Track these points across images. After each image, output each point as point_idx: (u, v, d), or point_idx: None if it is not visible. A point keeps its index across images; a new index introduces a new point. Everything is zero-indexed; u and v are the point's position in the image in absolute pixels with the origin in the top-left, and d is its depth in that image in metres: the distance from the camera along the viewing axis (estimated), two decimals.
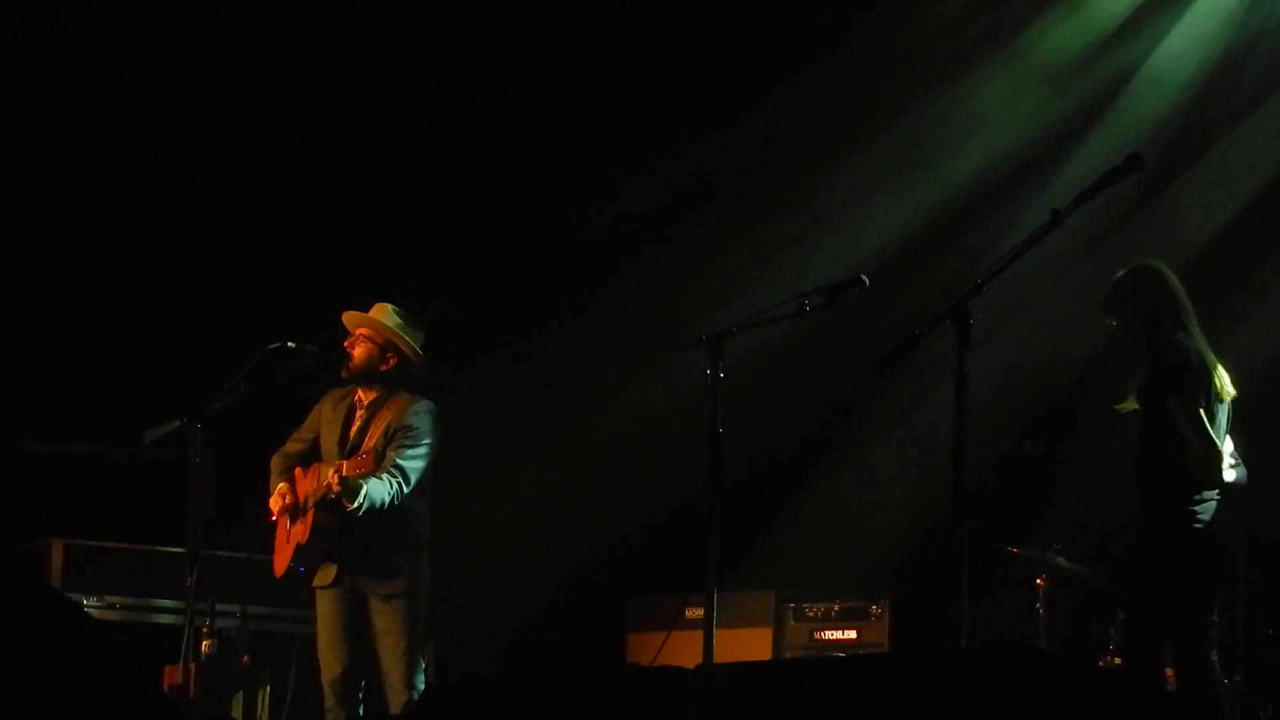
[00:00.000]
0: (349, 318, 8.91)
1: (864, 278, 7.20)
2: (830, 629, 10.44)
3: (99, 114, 11.23)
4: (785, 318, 7.39)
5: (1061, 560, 9.04)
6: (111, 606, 10.14)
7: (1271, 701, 8.63)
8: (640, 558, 11.45)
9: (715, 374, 7.19)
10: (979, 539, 8.16)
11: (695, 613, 9.28)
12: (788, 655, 10.38)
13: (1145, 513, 7.62)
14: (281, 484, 8.90)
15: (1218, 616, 7.56)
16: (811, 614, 10.51)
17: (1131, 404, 7.73)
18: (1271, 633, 8.98)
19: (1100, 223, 10.10)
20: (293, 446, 9.04)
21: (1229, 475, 7.53)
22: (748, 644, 10.29)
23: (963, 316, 5.89)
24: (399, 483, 8.56)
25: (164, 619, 10.20)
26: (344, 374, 8.88)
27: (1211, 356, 7.62)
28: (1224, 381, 7.63)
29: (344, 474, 8.39)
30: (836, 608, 10.47)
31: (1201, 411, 7.47)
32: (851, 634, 10.39)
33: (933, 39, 11.20)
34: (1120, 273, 7.75)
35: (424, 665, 8.79)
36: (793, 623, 10.55)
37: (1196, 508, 7.46)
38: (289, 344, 8.79)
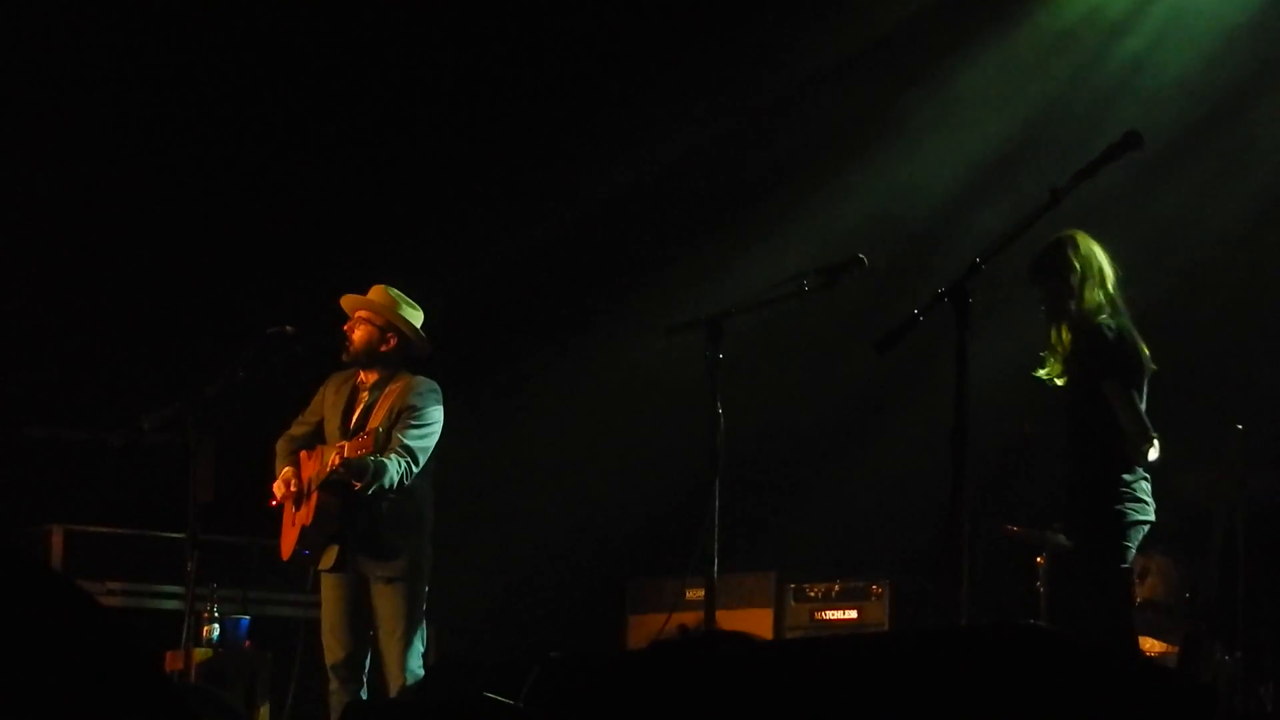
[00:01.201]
0: (347, 301, 8.92)
1: (863, 257, 7.21)
2: (831, 609, 10.44)
3: (96, 100, 11.22)
4: (784, 299, 7.40)
5: (1061, 539, 9.03)
6: (112, 592, 10.14)
7: (1271, 679, 8.63)
8: (640, 539, 11.45)
9: (714, 355, 7.20)
10: (979, 518, 8.19)
11: (696, 594, 9.30)
12: (788, 636, 10.38)
13: (1076, 491, 7.68)
14: (286, 468, 8.91)
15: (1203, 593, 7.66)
16: (812, 594, 10.52)
17: (1052, 374, 7.77)
18: (1271, 611, 8.98)
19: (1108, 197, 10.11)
20: (297, 430, 9.06)
21: (1152, 455, 7.60)
22: (748, 625, 10.27)
23: (962, 296, 5.89)
24: (407, 462, 8.58)
25: (165, 604, 10.20)
26: (345, 358, 8.90)
27: (1135, 332, 7.67)
28: (1146, 358, 7.68)
29: (346, 455, 8.41)
30: (837, 588, 10.47)
31: (1135, 394, 7.53)
32: (852, 614, 10.39)
33: (935, 15, 11.18)
34: (1046, 243, 7.76)
35: (423, 649, 8.79)
36: (793, 603, 10.56)
37: (1129, 488, 7.53)
38: (288, 329, 8.79)
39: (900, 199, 11.30)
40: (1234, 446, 8.74)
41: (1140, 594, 9.03)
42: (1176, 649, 8.93)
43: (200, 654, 9.28)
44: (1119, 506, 7.59)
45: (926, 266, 10.35)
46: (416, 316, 8.92)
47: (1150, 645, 9.09)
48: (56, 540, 10.12)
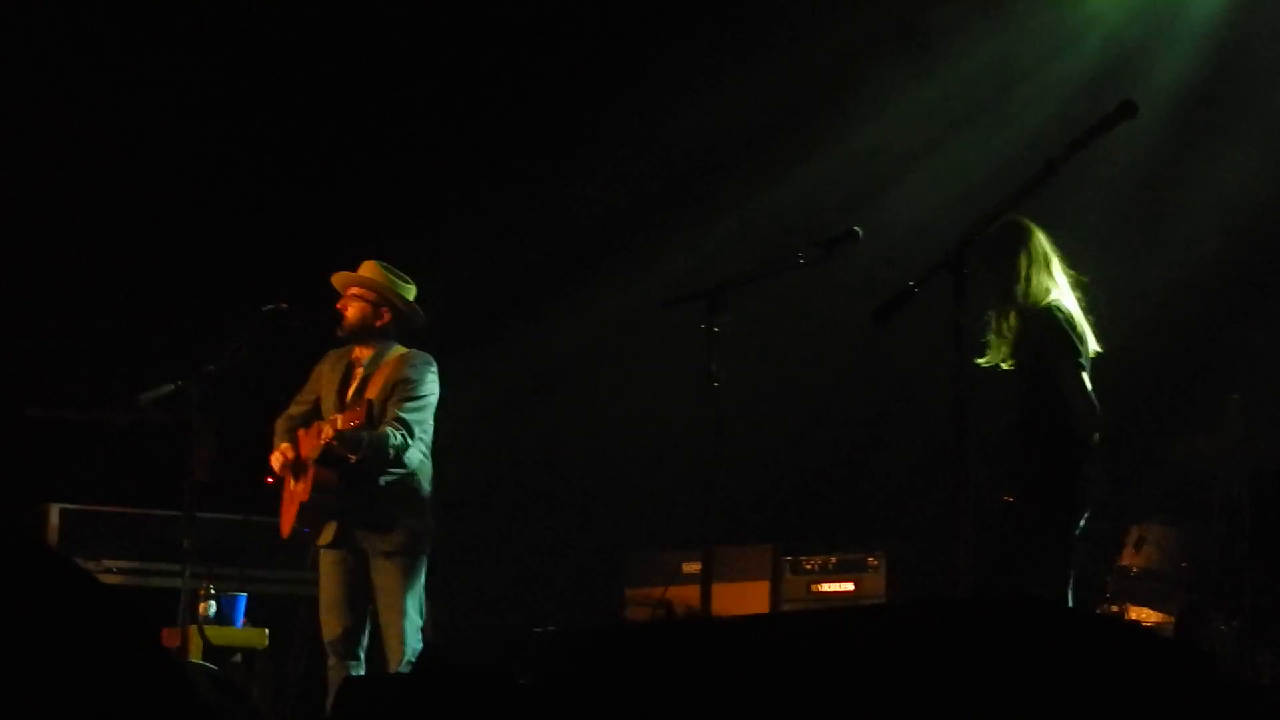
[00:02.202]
0: (339, 278, 8.93)
1: (857, 229, 7.21)
2: (828, 581, 10.44)
3: (94, 79, 11.21)
4: (782, 271, 7.39)
5: None
6: (109, 570, 10.14)
7: (1271, 647, 8.64)
8: (637, 512, 11.45)
9: (712, 327, 7.20)
10: (978, 488, 8.19)
11: (692, 567, 9.33)
12: (785, 608, 10.39)
13: (1027, 473, 7.69)
14: (284, 443, 8.91)
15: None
16: (809, 566, 10.52)
17: (996, 359, 7.79)
18: (1271, 578, 8.99)
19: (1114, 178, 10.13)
20: (295, 409, 9.06)
21: (1096, 437, 7.65)
22: (745, 597, 10.29)
23: (958, 267, 5.90)
24: (403, 434, 8.58)
25: (162, 582, 10.20)
26: (339, 334, 8.90)
27: (1082, 315, 7.69)
28: (1091, 340, 7.70)
29: (339, 428, 8.41)
30: (834, 560, 10.47)
31: (1084, 375, 7.56)
32: (849, 586, 10.39)
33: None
34: (990, 227, 7.77)
35: (422, 624, 8.79)
36: (790, 575, 10.56)
37: (1079, 468, 7.55)
38: (285, 305, 8.79)
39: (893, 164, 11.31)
40: (1234, 413, 8.75)
41: (1136, 563, 9.04)
42: (1172, 619, 8.95)
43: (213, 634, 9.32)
44: (1071, 487, 7.60)
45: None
46: (409, 290, 8.92)
47: (1146, 615, 9.10)
48: (53, 518, 10.11)
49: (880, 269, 9.33)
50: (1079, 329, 7.64)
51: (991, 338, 7.81)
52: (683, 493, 8.09)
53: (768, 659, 4.31)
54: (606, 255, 11.96)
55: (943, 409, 5.93)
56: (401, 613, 8.65)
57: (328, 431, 8.47)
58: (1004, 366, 7.80)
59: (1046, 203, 7.40)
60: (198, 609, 9.42)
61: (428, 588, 8.93)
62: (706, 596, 7.18)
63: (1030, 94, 10.88)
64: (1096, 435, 7.60)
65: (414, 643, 8.62)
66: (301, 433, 8.93)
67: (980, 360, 7.83)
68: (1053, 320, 7.62)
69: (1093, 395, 7.55)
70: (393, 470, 8.63)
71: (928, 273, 5.94)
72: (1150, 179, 10.43)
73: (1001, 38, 11.00)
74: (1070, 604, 7.60)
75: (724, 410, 7.15)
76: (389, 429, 8.56)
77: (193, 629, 9.14)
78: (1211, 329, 9.85)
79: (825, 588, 10.47)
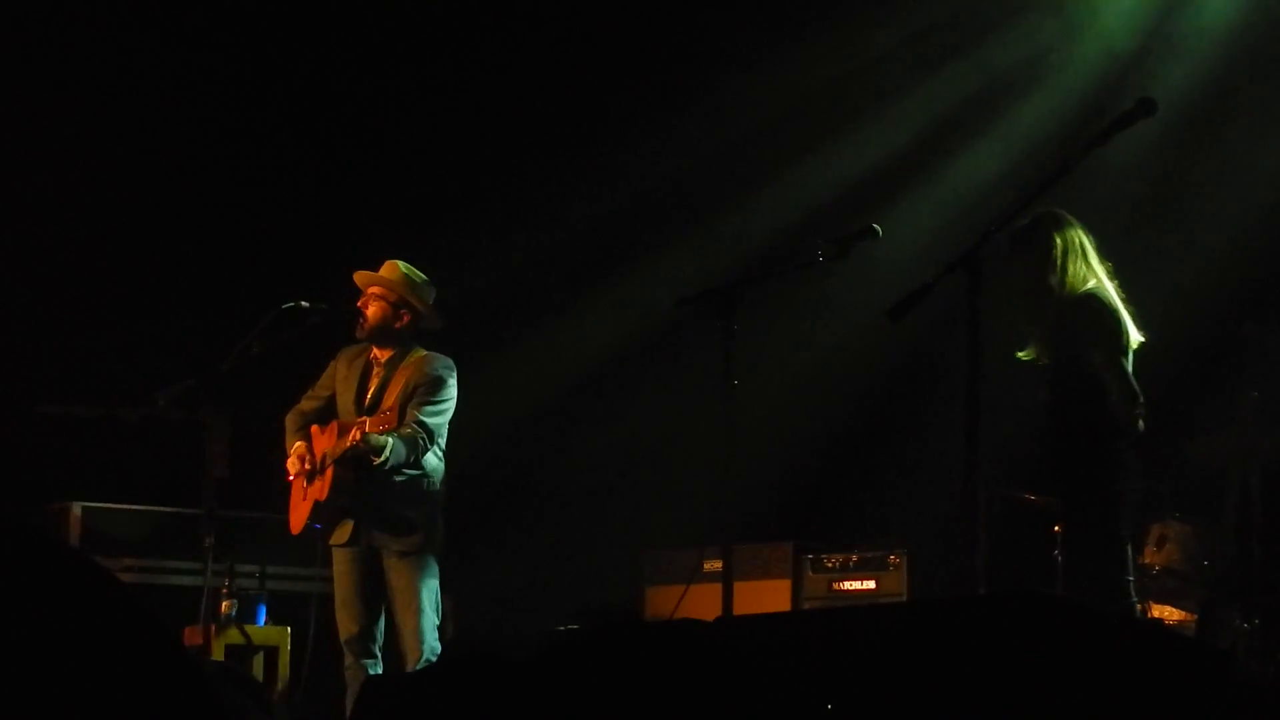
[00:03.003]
0: (360, 277, 8.93)
1: (876, 227, 7.20)
2: (849, 579, 10.44)
3: (107, 79, 11.22)
4: (797, 268, 7.38)
5: None
6: (129, 569, 10.16)
7: None
8: (657, 510, 11.46)
9: (728, 326, 7.19)
10: (996, 487, 8.18)
11: (713, 565, 9.31)
12: (806, 606, 10.38)
13: (1068, 464, 7.66)
14: (299, 443, 8.91)
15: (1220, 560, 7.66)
16: (829, 564, 10.51)
17: (1034, 352, 7.77)
18: None
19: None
20: (307, 404, 9.06)
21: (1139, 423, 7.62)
22: (766, 595, 10.29)
23: (974, 265, 5.89)
24: (423, 438, 8.59)
25: (183, 580, 10.22)
26: (359, 334, 8.90)
27: (1120, 302, 7.66)
28: (1132, 328, 7.67)
29: (367, 431, 8.42)
30: (855, 558, 10.46)
31: (1124, 361, 7.53)
32: (870, 584, 10.39)
33: None
34: (1024, 220, 7.76)
35: (439, 622, 8.80)
36: (811, 573, 10.55)
37: (1121, 457, 7.53)
38: (302, 303, 8.80)
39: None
40: (1248, 411, 8.73)
41: (1158, 561, 9.03)
42: (1194, 617, 8.93)
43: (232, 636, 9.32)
44: (1112, 476, 7.57)
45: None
46: (429, 292, 8.93)
47: (1168, 613, 9.08)
48: (74, 517, 10.14)
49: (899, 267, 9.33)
50: (1118, 316, 7.61)
51: (1030, 330, 7.79)
52: (703, 491, 8.09)
53: (789, 657, 4.32)
54: (626, 253, 11.98)
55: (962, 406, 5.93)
56: (418, 611, 8.66)
57: (355, 434, 8.47)
58: (1042, 361, 7.78)
59: (1063, 200, 7.40)
60: (219, 607, 9.42)
61: (446, 585, 8.94)
62: (728, 594, 7.17)
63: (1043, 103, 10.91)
64: (1141, 424, 7.58)
65: (431, 641, 8.63)
66: (315, 430, 8.93)
67: (1020, 354, 7.82)
68: (1092, 307, 7.58)
69: (1134, 382, 7.52)
70: (408, 471, 8.64)
71: (944, 270, 5.93)
72: (1167, 175, 10.42)
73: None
74: (1130, 599, 7.61)
75: (743, 407, 7.15)
76: (409, 433, 8.57)
77: (213, 628, 9.15)
78: (1229, 327, 9.83)
79: (846, 585, 10.46)
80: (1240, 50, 10.49)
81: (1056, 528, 8.76)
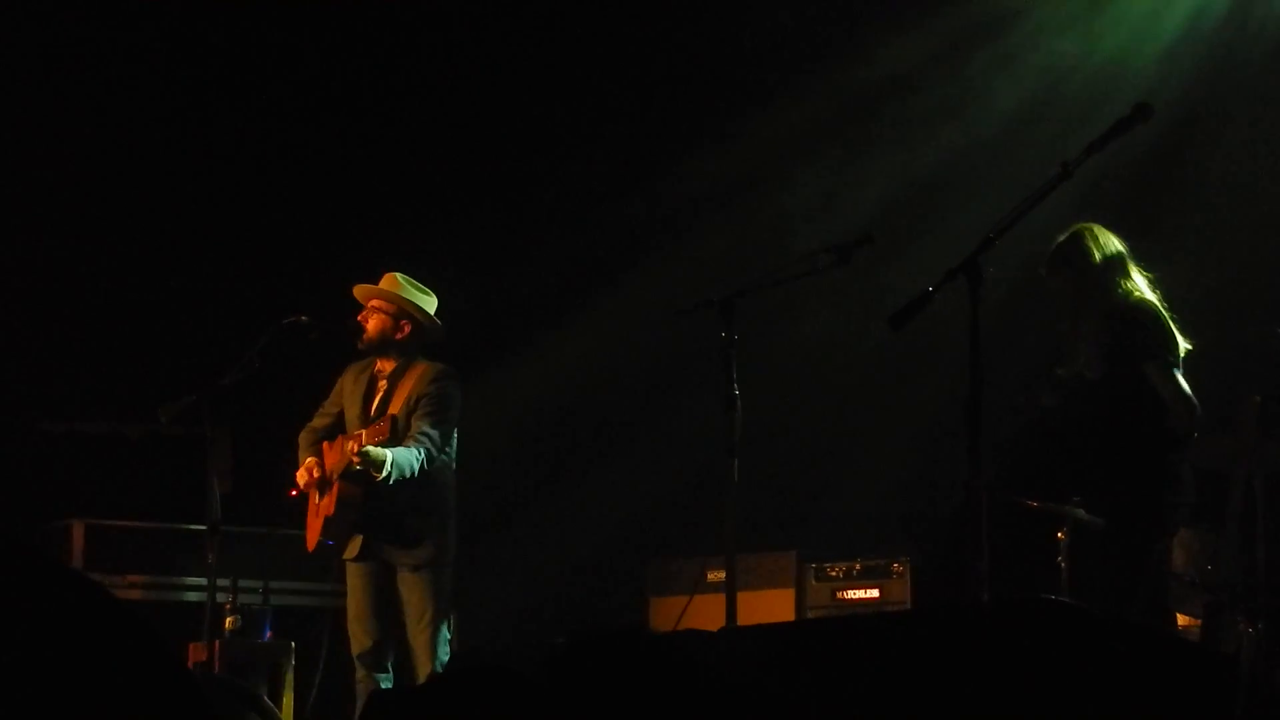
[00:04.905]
0: (360, 291, 8.94)
1: (873, 235, 7.19)
2: (852, 588, 10.43)
3: (110, 92, 11.23)
4: (797, 278, 7.38)
5: (1081, 513, 9.03)
6: (133, 585, 10.16)
7: None
8: (661, 520, 11.45)
9: (729, 335, 7.19)
10: (998, 493, 8.17)
11: (717, 575, 9.32)
12: (810, 615, 10.38)
13: (1115, 475, 7.65)
14: (309, 458, 8.93)
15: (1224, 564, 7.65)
16: (833, 573, 10.51)
17: (1076, 368, 7.76)
18: None
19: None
20: (319, 422, 9.08)
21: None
22: (770, 605, 10.29)
23: (975, 271, 5.88)
24: (427, 449, 8.59)
25: (187, 596, 10.22)
26: (360, 346, 8.91)
27: (1167, 311, 7.66)
28: (1180, 337, 7.67)
29: (363, 444, 8.41)
30: (858, 566, 10.46)
31: (1177, 370, 7.53)
32: (874, 592, 10.38)
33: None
34: (1062, 236, 7.75)
35: (449, 636, 8.80)
36: (814, 582, 10.55)
37: (1173, 470, 7.54)
38: (302, 317, 8.81)
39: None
40: (1249, 413, 8.72)
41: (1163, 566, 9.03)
42: (1199, 621, 8.92)
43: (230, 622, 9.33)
44: (1163, 489, 7.57)
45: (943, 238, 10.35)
46: (429, 302, 8.94)
47: (1173, 618, 9.07)
48: (77, 534, 10.14)
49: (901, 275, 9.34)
50: (1168, 325, 7.61)
51: (1073, 346, 7.78)
52: (706, 501, 8.09)
53: (793, 666, 4.31)
54: (631, 263, 11.98)
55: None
56: (429, 625, 8.66)
57: (352, 447, 8.47)
58: (1088, 375, 7.76)
59: (1066, 206, 7.39)
60: (223, 622, 9.42)
61: (454, 599, 8.94)
62: (732, 604, 7.17)
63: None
64: (1195, 434, 7.58)
65: (443, 656, 8.64)
66: (326, 446, 8.95)
67: (1060, 370, 7.80)
68: (1142, 318, 7.58)
69: (1188, 392, 7.52)
70: (417, 484, 8.63)
71: (945, 277, 5.92)
72: (1169, 179, 10.42)
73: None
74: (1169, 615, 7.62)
75: (745, 416, 7.14)
76: (412, 444, 8.57)
77: (218, 643, 9.15)
78: (1231, 330, 9.82)
79: (850, 594, 10.46)
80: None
81: (1060, 534, 8.76)
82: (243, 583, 9.83)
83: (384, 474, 8.44)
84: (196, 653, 9.16)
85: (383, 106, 11.94)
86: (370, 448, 8.41)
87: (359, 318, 8.91)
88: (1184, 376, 7.60)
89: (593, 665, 4.50)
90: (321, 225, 11.57)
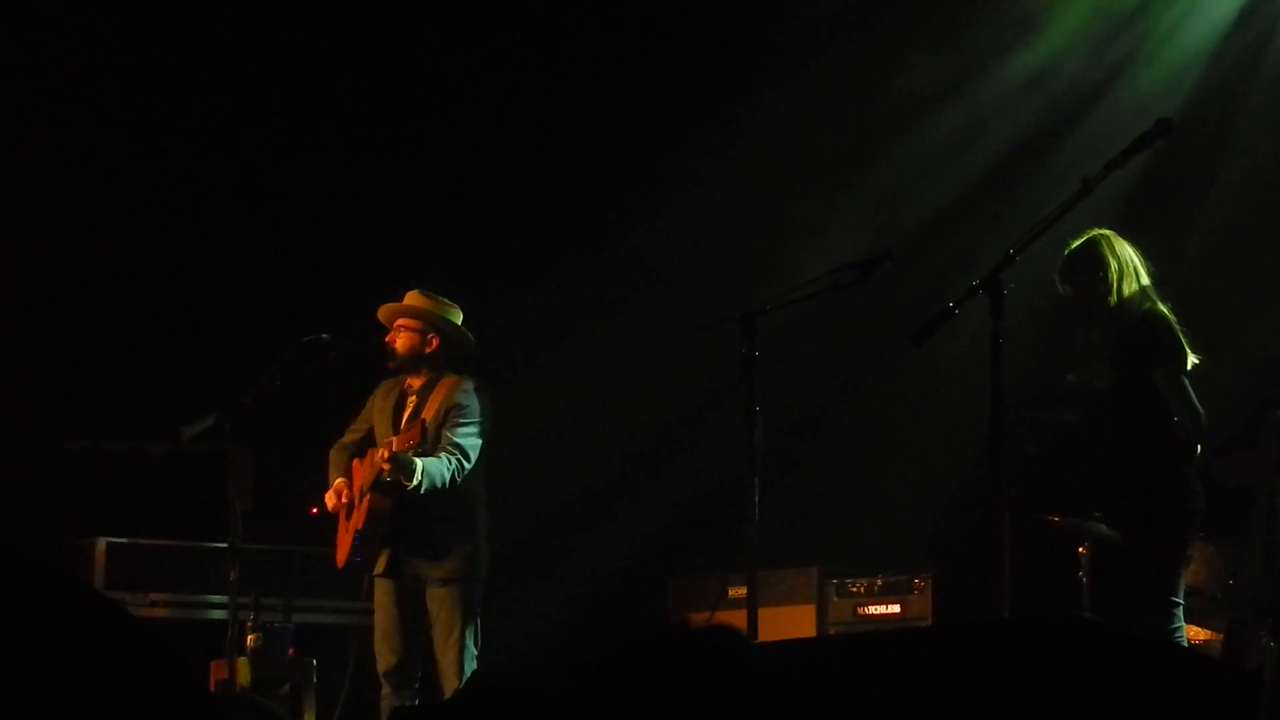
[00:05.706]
0: (384, 311, 8.93)
1: (893, 250, 7.19)
2: (874, 604, 10.41)
3: (131, 106, 11.26)
4: (817, 294, 7.39)
5: (1103, 528, 9.02)
6: (155, 603, 10.17)
7: None
8: (682, 537, 11.45)
9: (749, 352, 7.19)
10: (1019, 509, 8.16)
11: (738, 591, 9.28)
12: (832, 631, 10.36)
13: (1130, 485, 7.65)
14: (338, 480, 8.92)
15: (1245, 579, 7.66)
16: (854, 589, 10.48)
17: (1087, 376, 7.76)
18: None
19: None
20: (349, 438, 9.08)
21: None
22: (791, 621, 10.26)
23: (996, 287, 5.88)
24: (458, 459, 8.57)
25: (209, 614, 10.23)
26: (391, 366, 8.90)
27: (1176, 322, 7.67)
28: (1189, 350, 7.68)
29: (394, 449, 8.38)
30: (879, 582, 10.43)
31: (1186, 380, 7.53)
32: (895, 608, 10.36)
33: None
34: (1075, 243, 7.74)
35: (477, 653, 8.75)
36: (836, 598, 10.52)
37: (1185, 478, 7.53)
38: (323, 335, 8.82)
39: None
40: (1272, 428, 8.71)
41: (1184, 581, 9.01)
42: (1220, 636, 8.90)
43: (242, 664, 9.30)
44: (1178, 498, 7.57)
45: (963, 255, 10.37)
46: (456, 314, 8.93)
47: (1194, 633, 9.05)
48: (100, 552, 10.14)
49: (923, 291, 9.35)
50: (1179, 336, 7.61)
51: (1085, 353, 7.78)
52: (728, 517, 8.09)
53: (815, 683, 4.31)
54: (649, 281, 11.98)
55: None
56: (457, 642, 8.63)
57: (382, 454, 8.45)
58: (1099, 383, 7.77)
59: (1081, 220, 7.39)
60: (245, 640, 9.42)
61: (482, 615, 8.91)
62: (753, 620, 7.16)
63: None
64: (1200, 446, 7.59)
65: (467, 671, 8.59)
66: (356, 463, 8.94)
67: (1071, 377, 7.81)
68: (1154, 327, 7.59)
69: (1195, 402, 7.52)
70: (446, 497, 8.61)
71: (966, 294, 5.93)
72: (1184, 187, 10.42)
73: None
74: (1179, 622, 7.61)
75: (766, 433, 7.15)
76: (443, 455, 8.55)
77: (240, 661, 9.15)
78: (1253, 346, 9.82)
79: (871, 610, 10.43)
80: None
81: (1081, 549, 8.75)
82: (264, 600, 9.83)
83: (414, 482, 8.41)
84: (218, 670, 9.17)
85: (404, 126, 11.94)
86: (400, 454, 8.38)
87: (386, 339, 8.90)
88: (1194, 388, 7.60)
89: (640, 670, 4.49)
90: (342, 244, 11.57)
